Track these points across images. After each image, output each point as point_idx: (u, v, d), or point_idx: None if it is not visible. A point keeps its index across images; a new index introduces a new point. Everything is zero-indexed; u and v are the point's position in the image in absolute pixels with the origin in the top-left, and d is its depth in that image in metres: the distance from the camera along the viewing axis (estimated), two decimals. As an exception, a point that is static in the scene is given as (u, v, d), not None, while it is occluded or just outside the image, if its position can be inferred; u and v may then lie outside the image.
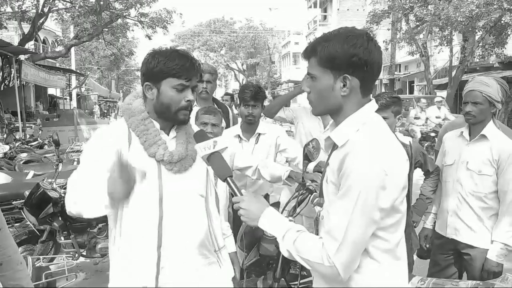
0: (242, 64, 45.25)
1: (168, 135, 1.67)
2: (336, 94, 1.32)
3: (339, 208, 1.25)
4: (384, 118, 1.43)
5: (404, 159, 1.31)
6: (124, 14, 17.23)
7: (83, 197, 1.49)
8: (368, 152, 1.23)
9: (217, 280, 1.71)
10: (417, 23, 17.64)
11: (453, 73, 18.04)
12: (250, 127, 3.03)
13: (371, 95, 1.39)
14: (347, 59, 1.27)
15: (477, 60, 18.44)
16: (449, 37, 17.46)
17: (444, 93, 18.66)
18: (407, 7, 17.18)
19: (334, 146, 1.39)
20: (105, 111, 33.31)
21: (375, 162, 1.21)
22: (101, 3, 15.24)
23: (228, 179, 1.46)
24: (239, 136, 3.04)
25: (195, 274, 1.63)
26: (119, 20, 18.17)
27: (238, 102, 3.08)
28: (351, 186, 1.22)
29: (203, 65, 3.42)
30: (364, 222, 1.22)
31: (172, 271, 1.59)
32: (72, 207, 1.54)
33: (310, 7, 38.70)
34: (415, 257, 2.98)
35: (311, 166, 2.59)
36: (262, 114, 3.11)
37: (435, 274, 2.70)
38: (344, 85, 1.30)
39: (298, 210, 2.33)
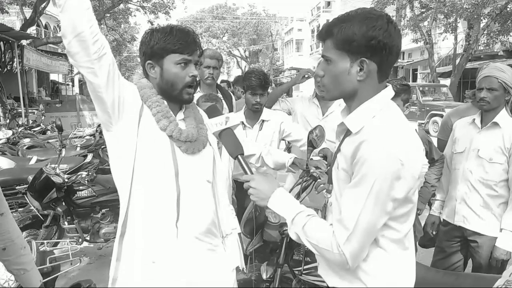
0: (245, 51, 44.97)
1: (175, 116, 1.63)
2: (352, 78, 1.25)
3: (351, 196, 1.22)
4: None
5: (420, 148, 1.27)
6: (126, -1, 17.11)
7: None
8: (384, 140, 1.18)
9: (220, 267, 1.70)
10: (422, 10, 17.49)
11: (457, 61, 17.92)
12: (254, 114, 3.01)
13: (386, 80, 1.33)
14: (365, 42, 1.20)
15: (482, 48, 18.30)
16: (454, 25, 17.31)
17: (447, 81, 18.57)
18: (412, -7, 17.00)
19: (347, 132, 1.33)
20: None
21: (391, 151, 1.16)
22: (103, -13, 15.11)
23: (239, 156, 1.43)
24: (243, 123, 3.02)
25: (206, 254, 1.62)
26: (121, 5, 18.07)
27: (243, 89, 3.03)
28: (366, 175, 1.17)
29: (210, 51, 3.39)
30: (376, 212, 1.19)
31: (188, 247, 1.57)
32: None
33: (314, -7, 38.30)
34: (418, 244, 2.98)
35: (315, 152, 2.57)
36: None
37: (440, 261, 2.71)
38: (360, 69, 1.23)
39: (302, 197, 2.33)
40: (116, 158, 1.56)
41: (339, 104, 3.24)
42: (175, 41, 1.52)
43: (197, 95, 3.34)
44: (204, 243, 1.62)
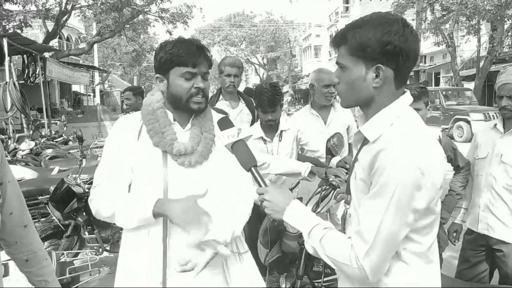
0: (263, 58, 45.15)
1: (184, 127, 1.65)
2: (368, 85, 1.21)
3: (370, 208, 1.17)
4: (416, 109, 1.34)
5: (441, 156, 1.21)
6: (145, 10, 17.45)
7: (115, 210, 1.55)
8: (403, 148, 1.13)
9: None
10: (443, 13, 17.23)
11: (481, 64, 17.52)
12: (271, 127, 2.96)
13: (404, 86, 1.28)
14: (380, 48, 1.16)
15: (506, 50, 17.87)
16: (476, 27, 16.98)
17: (471, 85, 18.17)
18: (432, -4, 16.77)
19: (365, 141, 1.29)
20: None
21: (411, 160, 1.11)
22: (123, -1, 15.45)
23: (253, 168, 1.40)
24: (262, 138, 2.93)
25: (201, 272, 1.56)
26: (140, 16, 18.42)
27: (255, 105, 2.97)
28: (384, 185, 1.13)
29: (230, 59, 3.39)
30: (397, 224, 1.14)
31: (179, 263, 1.52)
32: (102, 216, 1.59)
33: (332, -2, 38.20)
34: (444, 255, 2.89)
35: (334, 161, 2.53)
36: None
37: (465, 271, 2.63)
38: (376, 76, 1.19)
39: (321, 206, 2.28)
40: None
41: (336, 110, 3.30)
42: (178, 53, 1.53)
43: (220, 103, 3.34)
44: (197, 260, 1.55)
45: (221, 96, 3.44)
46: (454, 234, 2.74)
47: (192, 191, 1.54)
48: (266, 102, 2.77)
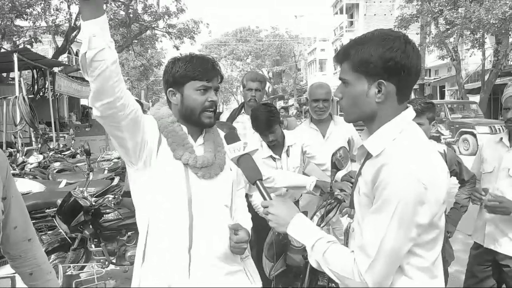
0: (268, 72, 45.40)
1: (195, 141, 1.68)
2: (370, 100, 1.23)
3: (373, 223, 1.18)
4: (419, 124, 1.36)
5: (444, 171, 1.22)
6: (153, 25, 17.71)
7: None
8: (406, 163, 1.14)
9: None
10: (447, 27, 17.28)
11: (486, 77, 17.50)
12: (277, 145, 2.96)
13: (407, 101, 1.30)
14: (382, 64, 1.18)
15: (511, 63, 17.84)
16: (481, 40, 16.98)
17: (477, 98, 18.11)
18: (436, 10, 16.87)
19: (368, 156, 1.30)
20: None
21: (413, 175, 1.12)
22: (131, 15, 15.71)
23: (258, 182, 1.43)
24: (271, 156, 2.93)
25: (224, 279, 1.62)
26: (148, 32, 18.68)
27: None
28: (387, 200, 1.14)
29: (252, 73, 3.44)
30: (400, 239, 1.15)
31: (202, 274, 1.58)
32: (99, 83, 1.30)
33: (336, 13, 38.53)
34: (451, 270, 2.86)
35: (339, 174, 2.54)
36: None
37: (472, 286, 2.59)
38: (379, 91, 1.22)
39: (326, 220, 2.28)
40: (137, 189, 1.64)
41: (335, 123, 3.31)
42: (194, 68, 1.58)
43: (241, 117, 3.38)
44: (221, 269, 1.62)
45: (243, 110, 3.49)
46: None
47: (213, 201, 1.62)
48: (262, 126, 2.76)
